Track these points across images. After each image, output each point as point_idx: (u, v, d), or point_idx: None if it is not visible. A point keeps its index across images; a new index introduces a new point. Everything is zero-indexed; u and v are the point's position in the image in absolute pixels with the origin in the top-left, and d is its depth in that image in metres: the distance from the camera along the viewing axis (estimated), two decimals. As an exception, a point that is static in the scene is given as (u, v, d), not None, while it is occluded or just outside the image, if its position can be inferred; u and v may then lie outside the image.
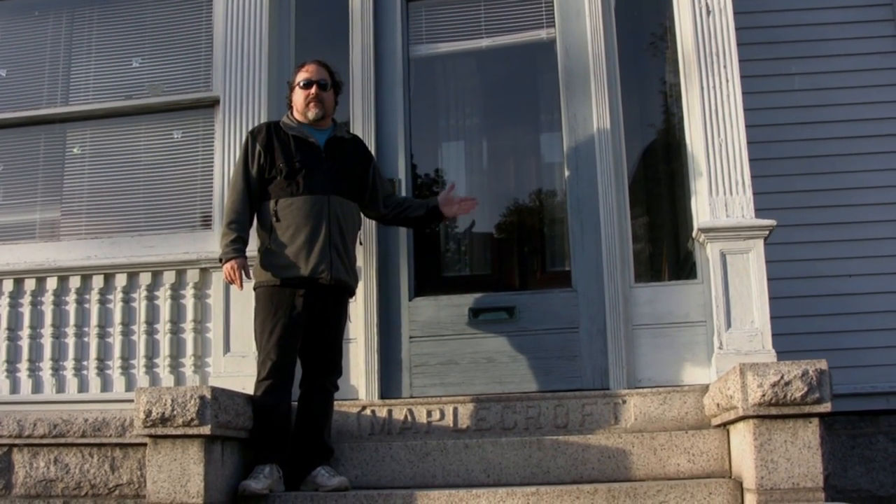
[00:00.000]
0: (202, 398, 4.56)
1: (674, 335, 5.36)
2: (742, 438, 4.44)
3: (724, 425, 4.80)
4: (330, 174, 5.12)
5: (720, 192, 5.27)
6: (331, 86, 5.27)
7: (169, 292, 5.86)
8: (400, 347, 5.66)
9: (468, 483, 4.94)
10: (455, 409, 5.33)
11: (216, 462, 4.68)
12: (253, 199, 5.09)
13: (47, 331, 6.00)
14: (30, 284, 6.05)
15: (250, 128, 5.51)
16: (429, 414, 5.35)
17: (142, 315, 5.90)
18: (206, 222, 6.01)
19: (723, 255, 5.18)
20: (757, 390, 4.23)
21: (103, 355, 5.93)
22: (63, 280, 6.02)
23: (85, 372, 5.93)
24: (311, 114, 5.19)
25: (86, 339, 5.96)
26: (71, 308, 6.00)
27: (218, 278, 5.65)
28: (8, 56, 6.61)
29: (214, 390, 4.63)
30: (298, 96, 5.22)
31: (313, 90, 5.18)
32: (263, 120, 5.66)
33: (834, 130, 6.36)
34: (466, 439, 5.09)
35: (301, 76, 5.23)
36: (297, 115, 5.25)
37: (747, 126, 5.35)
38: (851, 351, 5.97)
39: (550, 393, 5.34)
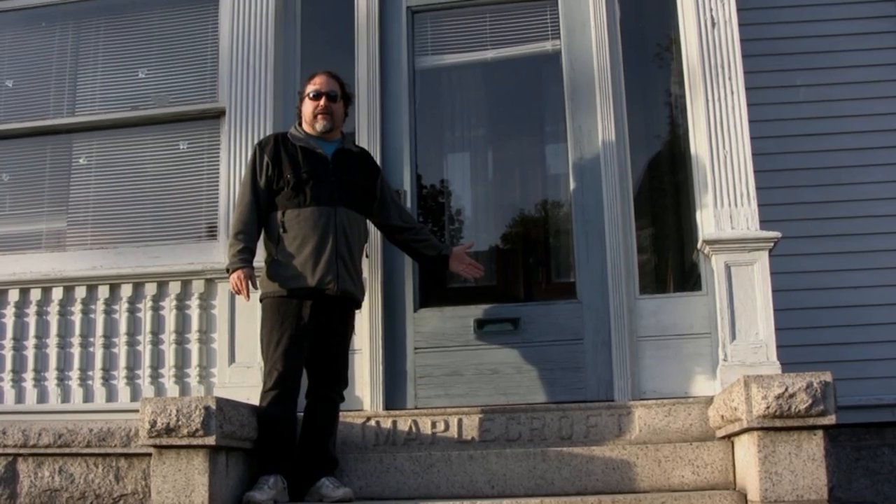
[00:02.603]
0: (207, 408, 4.57)
1: (678, 347, 5.36)
2: (746, 450, 4.43)
3: (729, 437, 4.79)
4: (337, 186, 5.12)
5: (725, 204, 5.27)
6: (340, 97, 5.28)
7: (174, 303, 5.87)
8: (405, 358, 5.66)
9: (472, 494, 4.94)
10: (460, 421, 5.33)
11: (221, 472, 4.68)
12: (261, 210, 5.10)
13: (53, 341, 6.00)
14: (35, 294, 6.06)
15: (256, 138, 5.55)
16: (433, 425, 5.35)
17: (147, 325, 5.90)
18: (212, 233, 6.02)
19: (727, 267, 5.18)
20: (761, 402, 4.22)
21: (108, 365, 5.93)
22: (69, 290, 6.02)
23: (90, 382, 5.93)
24: (319, 126, 5.20)
25: (91, 349, 5.97)
26: (76, 318, 6.00)
27: (223, 289, 5.66)
28: (15, 67, 6.64)
29: (219, 401, 4.63)
30: (307, 107, 5.22)
31: (322, 102, 5.18)
32: (269, 131, 5.68)
33: (840, 142, 6.35)
34: (471, 450, 5.09)
35: (310, 87, 5.24)
36: (305, 127, 5.25)
37: (752, 137, 5.35)
38: (857, 363, 5.94)
39: (555, 404, 5.34)
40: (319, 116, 5.19)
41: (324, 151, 5.18)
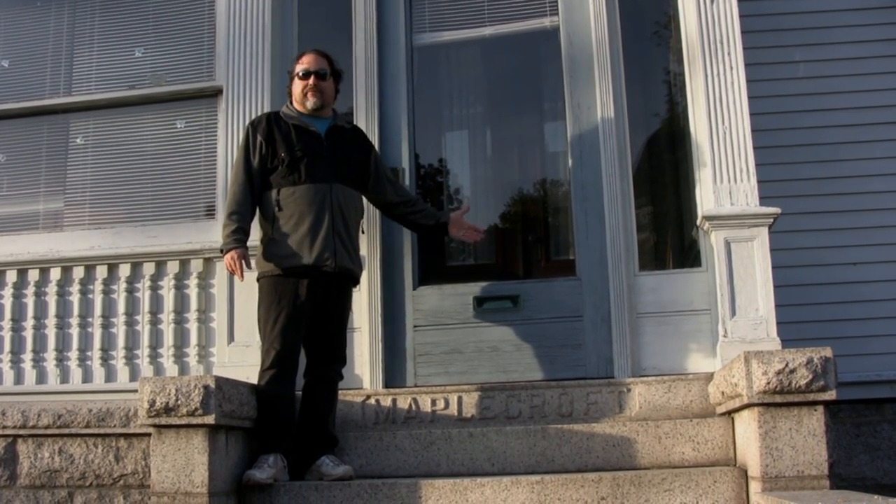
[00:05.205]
0: (206, 388, 4.56)
1: (678, 323, 5.35)
2: (747, 426, 4.43)
3: (729, 413, 4.79)
4: (331, 162, 5.12)
5: (724, 180, 5.25)
6: (330, 75, 5.27)
7: (173, 282, 5.86)
8: (404, 336, 5.66)
9: (473, 472, 4.94)
10: (459, 398, 5.33)
11: (220, 452, 4.68)
12: (254, 189, 5.10)
13: (51, 321, 5.99)
14: (33, 275, 6.05)
15: (253, 117, 5.51)
16: (433, 403, 5.35)
17: (146, 305, 5.89)
18: (210, 212, 6.00)
19: (727, 243, 5.16)
20: (762, 378, 4.22)
21: (107, 345, 5.93)
22: (67, 270, 6.01)
23: (89, 362, 5.93)
24: (310, 103, 5.20)
25: (90, 330, 5.96)
26: (75, 298, 5.99)
27: (222, 268, 5.63)
28: (10, 46, 6.60)
29: (218, 380, 4.62)
30: (297, 86, 5.23)
31: (311, 80, 5.19)
32: (267, 109, 5.65)
33: (840, 118, 6.33)
34: (471, 428, 5.09)
35: (299, 67, 5.24)
36: (296, 105, 5.25)
37: (752, 114, 5.33)
38: (857, 339, 5.94)
39: (555, 381, 5.34)
40: (309, 94, 5.19)
41: (317, 129, 5.18)
